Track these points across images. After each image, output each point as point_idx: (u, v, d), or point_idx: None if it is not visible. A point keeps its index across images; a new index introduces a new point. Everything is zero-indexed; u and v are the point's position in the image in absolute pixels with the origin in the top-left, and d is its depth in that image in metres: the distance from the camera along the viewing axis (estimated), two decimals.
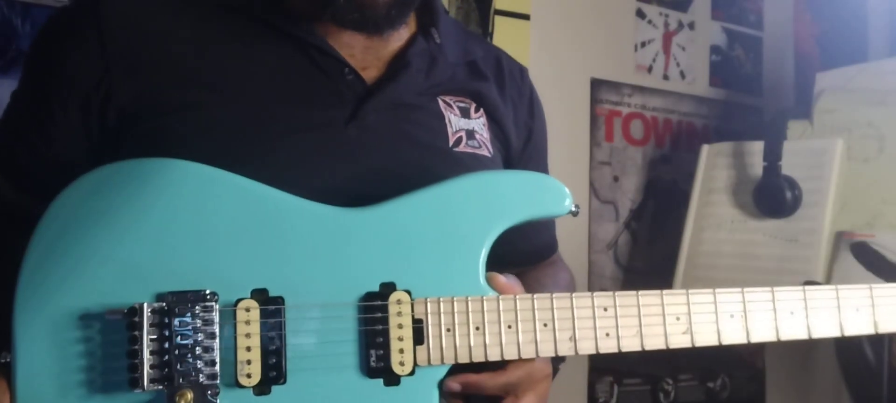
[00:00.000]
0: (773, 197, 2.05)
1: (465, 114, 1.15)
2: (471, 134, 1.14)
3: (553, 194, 1.02)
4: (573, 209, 1.03)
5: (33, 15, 1.66)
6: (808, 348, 2.75)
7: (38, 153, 1.03)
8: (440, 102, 1.13)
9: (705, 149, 2.27)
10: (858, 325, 1.05)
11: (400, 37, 1.14)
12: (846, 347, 2.41)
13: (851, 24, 2.82)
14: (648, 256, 2.50)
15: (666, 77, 2.56)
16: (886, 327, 1.05)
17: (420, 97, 1.12)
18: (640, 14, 2.51)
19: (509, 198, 1.00)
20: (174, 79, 1.01)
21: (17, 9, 1.65)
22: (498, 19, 2.21)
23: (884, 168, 2.00)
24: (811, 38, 2.84)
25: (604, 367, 2.40)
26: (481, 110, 1.17)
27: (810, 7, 2.83)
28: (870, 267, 1.88)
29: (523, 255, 1.25)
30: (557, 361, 1.11)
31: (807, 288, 1.03)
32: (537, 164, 1.29)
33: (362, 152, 1.04)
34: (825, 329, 1.03)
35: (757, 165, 2.10)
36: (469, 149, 1.12)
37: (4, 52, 1.63)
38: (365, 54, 1.10)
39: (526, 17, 2.27)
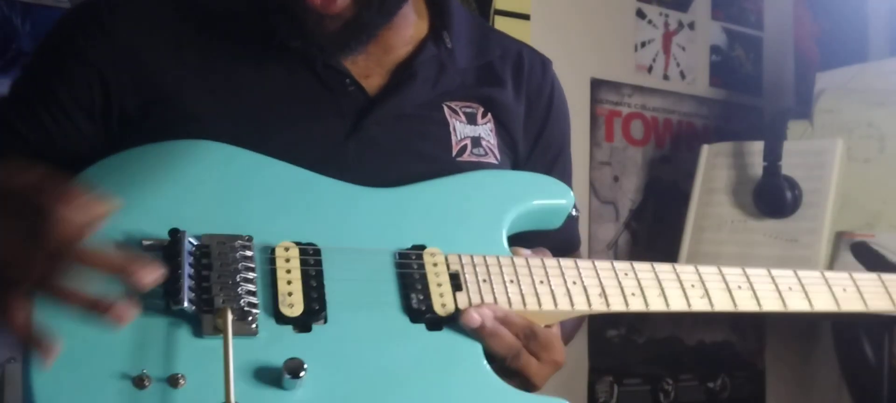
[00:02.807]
0: (773, 197, 2.05)
1: (471, 119, 1.12)
2: (476, 141, 1.11)
3: (555, 185, 1.11)
4: (573, 213, 1.09)
5: (33, 15, 1.66)
6: (808, 348, 2.75)
7: (42, 157, 1.01)
8: (445, 109, 1.11)
9: (705, 149, 2.27)
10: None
11: (406, 42, 1.11)
12: (846, 347, 2.41)
13: (851, 24, 2.82)
14: (648, 256, 2.48)
15: (666, 77, 2.56)
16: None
17: (424, 107, 1.09)
18: (640, 14, 2.51)
19: (519, 186, 1.08)
20: (176, 91, 1.01)
21: (17, 8, 1.65)
22: (498, 19, 2.21)
23: (884, 168, 2.01)
24: (811, 38, 2.84)
25: (604, 367, 2.40)
26: (489, 115, 1.15)
27: (810, 7, 2.83)
28: (870, 267, 1.87)
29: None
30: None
31: (799, 271, 1.10)
32: (544, 162, 1.24)
33: (361, 167, 1.02)
34: (822, 303, 1.09)
35: (757, 165, 2.10)
36: (474, 158, 1.10)
37: (4, 52, 1.63)
38: (367, 62, 1.08)
39: (526, 17, 2.27)
